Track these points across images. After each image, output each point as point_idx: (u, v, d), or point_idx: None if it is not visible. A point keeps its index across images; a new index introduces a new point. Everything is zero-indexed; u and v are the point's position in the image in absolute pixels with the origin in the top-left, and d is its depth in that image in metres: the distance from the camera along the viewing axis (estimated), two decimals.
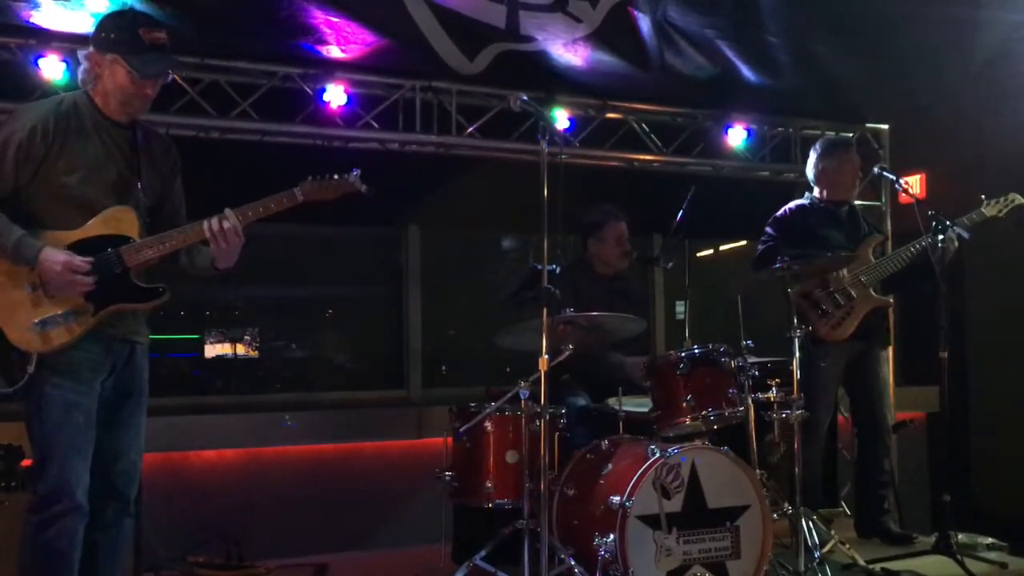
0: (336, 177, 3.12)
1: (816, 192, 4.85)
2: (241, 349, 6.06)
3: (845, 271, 4.59)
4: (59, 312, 2.88)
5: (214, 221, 2.99)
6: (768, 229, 4.78)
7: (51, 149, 2.89)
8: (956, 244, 4.43)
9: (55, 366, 2.88)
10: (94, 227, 2.94)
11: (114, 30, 2.96)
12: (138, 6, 3.96)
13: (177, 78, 4.58)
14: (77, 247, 2.91)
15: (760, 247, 4.74)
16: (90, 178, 2.94)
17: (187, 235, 3.02)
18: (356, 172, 3.15)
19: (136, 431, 3.13)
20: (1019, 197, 4.56)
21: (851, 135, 6.11)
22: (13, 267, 2.88)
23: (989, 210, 4.54)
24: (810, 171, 4.88)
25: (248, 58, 4.70)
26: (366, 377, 6.24)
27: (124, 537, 3.14)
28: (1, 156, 2.87)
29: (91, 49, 2.98)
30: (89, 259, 2.88)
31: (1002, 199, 4.54)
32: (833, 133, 6.06)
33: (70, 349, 2.90)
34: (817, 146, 4.94)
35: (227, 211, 3.01)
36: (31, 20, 4.08)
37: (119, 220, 2.97)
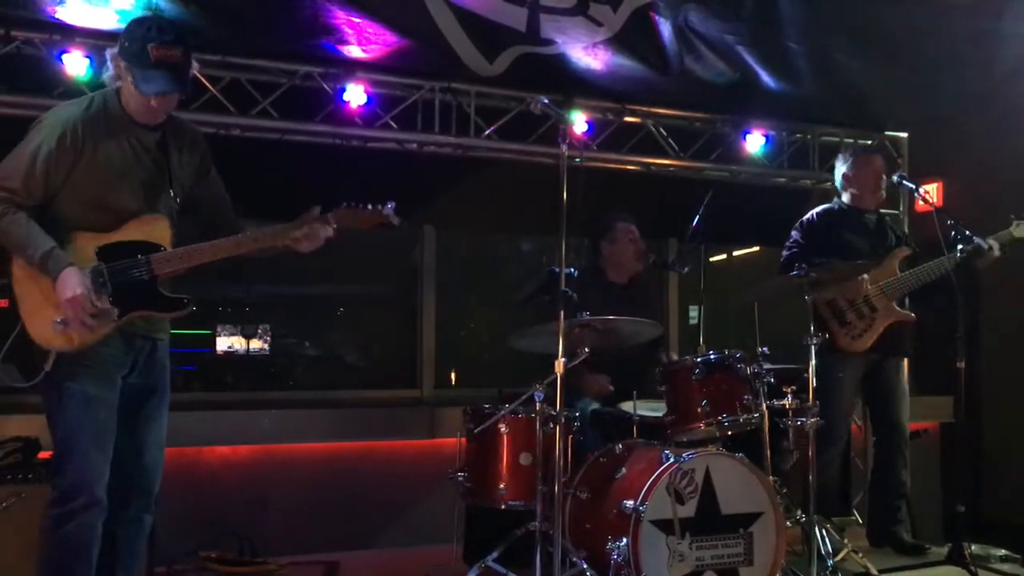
0: (371, 207, 3.16)
1: (843, 198, 4.84)
2: (254, 345, 6.08)
3: (868, 283, 4.57)
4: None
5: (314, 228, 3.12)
6: (794, 233, 4.76)
7: (80, 155, 2.90)
8: (996, 253, 4.43)
9: (78, 361, 2.89)
10: (128, 232, 2.96)
11: (129, 39, 2.93)
12: (162, 3, 4.00)
13: (199, 75, 4.60)
14: (108, 250, 2.93)
15: (785, 252, 4.72)
16: (118, 182, 2.95)
17: (216, 249, 3.03)
18: (391, 205, 3.17)
19: (159, 427, 3.15)
20: None
21: (870, 142, 6.10)
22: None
23: (1019, 231, 4.50)
24: (836, 177, 4.89)
25: (269, 57, 4.72)
26: (379, 376, 6.25)
27: (144, 533, 3.16)
28: (31, 166, 2.87)
29: (116, 51, 2.98)
30: (105, 302, 2.87)
31: None
32: (852, 140, 6.04)
33: (93, 345, 2.91)
34: (842, 152, 4.95)
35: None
36: (56, 16, 4.11)
37: (152, 227, 3.00)
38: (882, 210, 5.81)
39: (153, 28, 2.92)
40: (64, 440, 2.92)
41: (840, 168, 4.86)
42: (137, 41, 2.89)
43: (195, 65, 3.05)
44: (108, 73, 3.01)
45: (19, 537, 3.58)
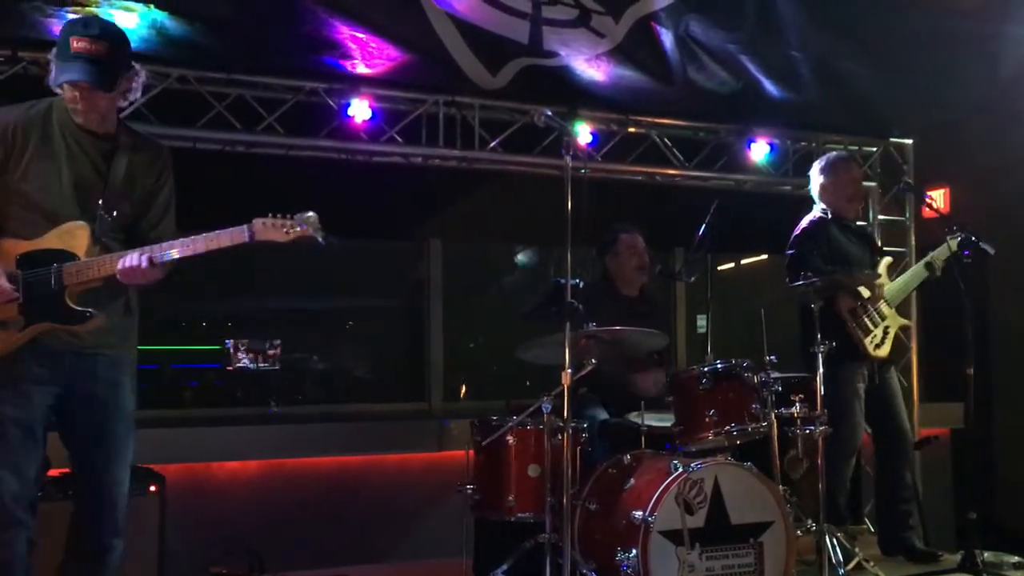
0: (290, 219, 2.82)
1: (830, 207, 4.76)
2: (263, 360, 6.09)
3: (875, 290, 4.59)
4: None
5: (131, 258, 2.83)
6: (799, 246, 4.66)
7: (11, 155, 2.84)
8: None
9: None
10: (47, 240, 2.87)
11: (60, 36, 2.85)
12: (167, 22, 4.03)
13: (205, 93, 4.66)
14: (26, 258, 2.85)
15: (794, 264, 4.67)
16: (47, 187, 2.86)
17: (122, 259, 2.87)
18: (310, 215, 2.85)
19: (113, 446, 2.98)
20: None
21: (874, 149, 6.10)
22: None
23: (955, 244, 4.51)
24: (813, 188, 4.81)
25: (274, 73, 4.76)
26: (387, 389, 6.25)
27: (115, 559, 3.00)
28: None
29: (52, 55, 2.89)
30: (13, 288, 2.81)
31: None
32: (856, 148, 6.06)
33: (4, 361, 2.83)
34: (816, 162, 4.87)
35: (131, 253, 2.85)
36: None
37: (72, 236, 2.88)
38: (888, 216, 5.85)
39: (80, 23, 2.88)
40: None
41: (816, 179, 4.77)
42: (63, 36, 2.83)
43: (139, 71, 2.96)
44: (51, 80, 2.88)
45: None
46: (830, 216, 4.75)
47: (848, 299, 4.51)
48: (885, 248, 5.48)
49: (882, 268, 4.72)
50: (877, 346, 4.58)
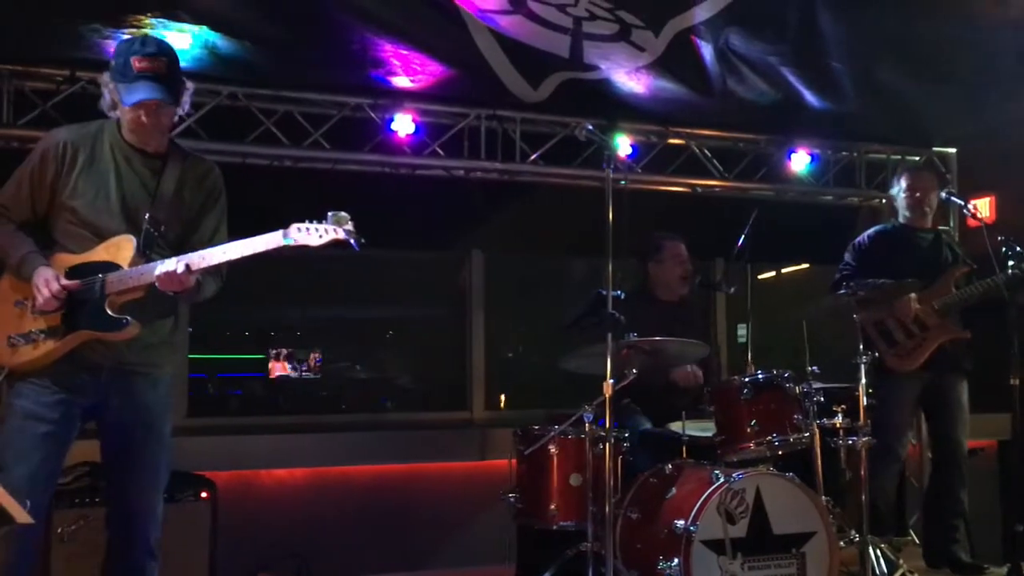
0: (322, 224, 2.76)
1: (899, 217, 4.88)
2: (305, 370, 6.18)
3: (916, 301, 4.56)
4: (34, 329, 2.89)
5: (167, 264, 2.83)
6: (846, 256, 4.83)
7: (60, 172, 2.90)
8: None
9: (27, 379, 2.88)
10: (95, 253, 2.91)
11: (116, 57, 2.89)
12: (219, 41, 4.14)
13: (254, 109, 4.78)
14: (76, 270, 2.90)
15: (836, 275, 4.76)
16: (95, 203, 2.91)
17: (164, 268, 2.85)
18: (342, 214, 2.79)
19: (144, 470, 2.98)
20: None
21: (918, 158, 6.06)
22: (15, 283, 2.94)
23: None
24: (893, 197, 4.97)
25: (321, 90, 4.87)
26: (429, 399, 6.32)
27: None
28: (18, 184, 2.95)
29: (107, 76, 2.94)
30: (67, 283, 2.85)
31: None
32: (899, 157, 6.02)
33: (45, 368, 2.88)
34: (896, 172, 5.02)
35: (170, 260, 2.84)
36: None
37: (118, 248, 2.91)
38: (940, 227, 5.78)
39: (136, 43, 2.90)
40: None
41: (893, 188, 4.94)
42: (122, 57, 2.87)
43: (189, 85, 3.01)
44: (105, 102, 2.95)
45: (85, 560, 3.70)
46: (893, 227, 4.84)
47: (874, 310, 4.48)
48: None
49: (946, 278, 4.66)
50: (903, 358, 4.55)
